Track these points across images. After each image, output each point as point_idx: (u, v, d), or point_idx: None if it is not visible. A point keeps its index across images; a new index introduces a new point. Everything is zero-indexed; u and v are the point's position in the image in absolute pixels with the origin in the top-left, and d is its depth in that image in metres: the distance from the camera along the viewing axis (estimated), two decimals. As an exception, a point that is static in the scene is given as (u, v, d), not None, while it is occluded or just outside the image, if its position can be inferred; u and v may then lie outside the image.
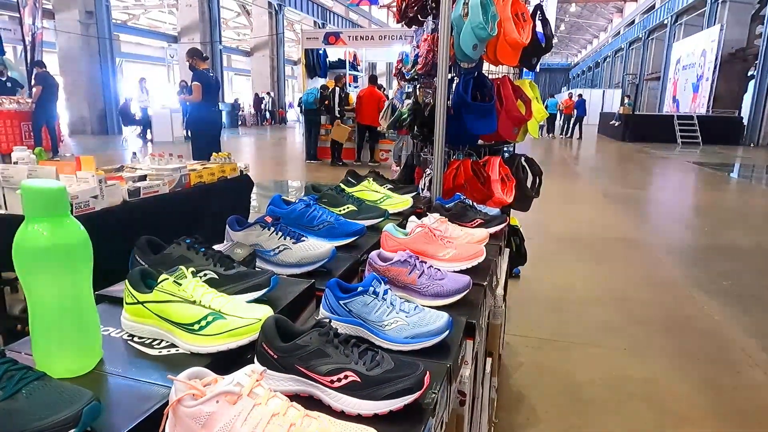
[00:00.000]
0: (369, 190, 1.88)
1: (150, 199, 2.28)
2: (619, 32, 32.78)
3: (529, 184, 2.60)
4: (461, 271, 1.32)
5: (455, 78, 2.29)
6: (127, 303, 0.90)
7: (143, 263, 1.03)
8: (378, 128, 9.51)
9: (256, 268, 1.18)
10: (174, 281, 0.87)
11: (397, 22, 2.58)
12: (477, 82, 2.18)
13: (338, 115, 9.20)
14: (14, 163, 2.11)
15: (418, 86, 2.39)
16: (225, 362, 0.82)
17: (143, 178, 2.37)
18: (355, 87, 11.62)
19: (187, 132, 14.84)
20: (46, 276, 0.73)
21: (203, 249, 1.05)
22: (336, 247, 1.33)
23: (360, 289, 0.98)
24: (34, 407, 0.58)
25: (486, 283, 1.28)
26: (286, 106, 26.46)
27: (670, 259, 4.29)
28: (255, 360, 0.80)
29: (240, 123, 21.92)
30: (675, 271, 3.95)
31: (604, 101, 25.87)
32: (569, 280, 3.69)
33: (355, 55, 11.58)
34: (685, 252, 4.63)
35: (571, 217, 5.79)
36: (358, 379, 0.74)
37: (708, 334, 2.81)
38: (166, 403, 0.69)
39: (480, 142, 2.36)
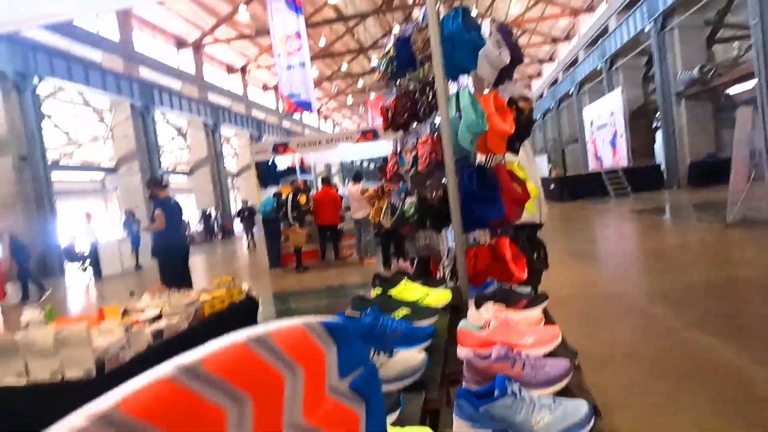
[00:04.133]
0: (409, 290, 1.90)
1: (172, 338, 2.18)
2: (532, 105, 35.95)
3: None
4: (544, 356, 1.34)
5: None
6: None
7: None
8: (338, 226, 9.65)
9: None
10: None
11: (385, 129, 2.76)
12: (478, 173, 2.34)
13: (292, 222, 9.28)
14: (25, 326, 1.98)
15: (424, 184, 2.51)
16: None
17: (159, 317, 2.28)
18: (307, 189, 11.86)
19: (137, 261, 14.36)
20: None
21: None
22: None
23: (497, 392, 0.98)
24: None
25: (577, 362, 1.31)
26: (233, 219, 26.34)
27: (658, 307, 4.45)
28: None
29: (189, 241, 21.42)
30: (669, 318, 4.09)
31: (534, 168, 27.71)
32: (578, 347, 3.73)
33: (302, 160, 11.99)
34: (667, 297, 4.82)
35: (545, 280, 5.95)
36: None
37: (731, 375, 2.87)
38: None
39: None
